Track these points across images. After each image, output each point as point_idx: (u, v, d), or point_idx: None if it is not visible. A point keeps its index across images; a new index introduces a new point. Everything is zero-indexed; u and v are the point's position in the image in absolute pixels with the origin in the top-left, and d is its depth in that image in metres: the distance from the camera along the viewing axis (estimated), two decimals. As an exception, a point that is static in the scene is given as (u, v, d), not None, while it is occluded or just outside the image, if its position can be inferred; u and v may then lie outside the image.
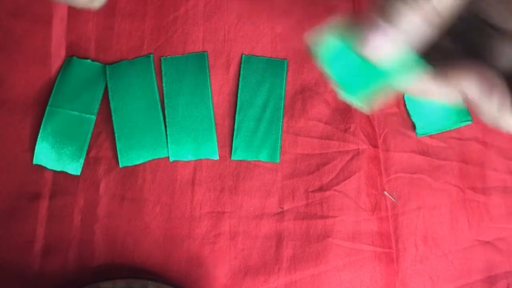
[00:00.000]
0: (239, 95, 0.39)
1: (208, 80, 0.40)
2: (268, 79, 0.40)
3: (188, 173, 0.38)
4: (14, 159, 0.37)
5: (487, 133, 0.40)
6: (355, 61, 0.20)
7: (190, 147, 0.38)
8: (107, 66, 0.39)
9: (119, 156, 0.37)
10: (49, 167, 0.37)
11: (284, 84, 0.40)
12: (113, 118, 0.38)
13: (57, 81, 0.39)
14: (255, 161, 0.38)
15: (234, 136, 0.38)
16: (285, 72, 0.40)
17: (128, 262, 0.36)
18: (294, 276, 0.36)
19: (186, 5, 0.42)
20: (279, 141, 0.39)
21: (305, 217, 0.37)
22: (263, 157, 0.38)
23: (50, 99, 0.38)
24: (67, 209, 0.37)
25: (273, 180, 0.38)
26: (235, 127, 0.39)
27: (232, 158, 0.38)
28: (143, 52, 0.40)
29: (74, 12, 0.41)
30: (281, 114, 0.39)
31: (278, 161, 0.38)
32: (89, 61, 0.40)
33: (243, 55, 0.40)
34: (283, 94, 0.39)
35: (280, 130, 0.39)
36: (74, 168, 0.37)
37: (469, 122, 0.40)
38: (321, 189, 0.38)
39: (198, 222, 0.37)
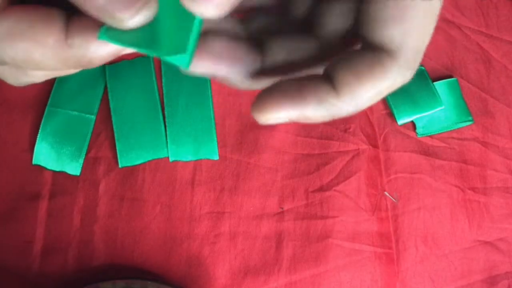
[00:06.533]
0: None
1: (208, 80, 0.40)
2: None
3: (188, 173, 0.38)
4: (13, 159, 0.37)
5: (487, 133, 0.40)
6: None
7: (190, 147, 0.38)
8: (106, 66, 0.39)
9: (118, 156, 0.37)
10: (48, 167, 0.37)
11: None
12: (113, 118, 0.38)
13: (56, 81, 0.39)
14: (255, 161, 0.38)
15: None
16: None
17: (127, 262, 0.36)
18: (294, 277, 0.36)
19: (186, 4, 0.41)
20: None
21: (305, 217, 0.37)
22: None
23: (50, 99, 0.38)
24: (66, 209, 0.37)
25: (273, 180, 0.38)
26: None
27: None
28: (142, 52, 0.40)
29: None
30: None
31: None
32: (88, 61, 0.40)
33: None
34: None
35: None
36: (74, 168, 0.37)
37: (470, 123, 0.40)
38: (321, 189, 0.38)
39: (198, 222, 0.37)
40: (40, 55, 0.17)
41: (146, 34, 0.16)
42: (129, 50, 0.17)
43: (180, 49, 0.16)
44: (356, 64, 0.17)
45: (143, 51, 0.17)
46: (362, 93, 0.17)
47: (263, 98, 0.18)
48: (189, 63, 0.17)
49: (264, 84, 0.19)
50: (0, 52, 0.17)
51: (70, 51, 0.17)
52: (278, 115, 0.18)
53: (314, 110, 0.17)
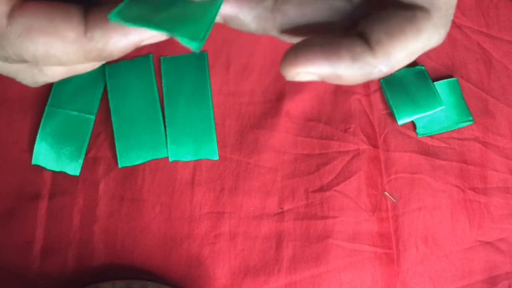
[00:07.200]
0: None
1: (208, 80, 0.40)
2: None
3: (187, 173, 0.38)
4: (13, 159, 0.37)
5: (488, 133, 0.40)
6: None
7: (190, 147, 0.38)
8: (106, 65, 0.39)
9: (118, 156, 0.37)
10: (48, 167, 0.37)
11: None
12: (113, 118, 0.38)
13: (56, 81, 0.39)
14: (255, 161, 0.38)
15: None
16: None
17: (127, 262, 0.36)
18: (294, 277, 0.36)
19: (186, 4, 0.41)
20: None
21: (305, 217, 0.37)
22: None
23: (49, 99, 0.38)
24: (66, 210, 0.37)
25: (273, 180, 0.38)
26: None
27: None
28: (142, 51, 0.40)
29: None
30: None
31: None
32: (88, 60, 0.39)
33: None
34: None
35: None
36: (73, 168, 0.37)
37: (470, 123, 0.40)
38: (321, 189, 0.38)
39: (197, 223, 0.37)
40: (61, 50, 0.16)
41: (159, 14, 0.16)
42: (147, 41, 0.17)
43: (195, 35, 0.16)
44: (390, 24, 0.17)
45: (156, 31, 0.16)
46: (397, 53, 0.17)
47: (295, 51, 0.17)
48: (201, 46, 0.16)
49: (269, 29, 0.19)
50: (21, 49, 0.16)
51: (90, 44, 0.17)
52: (309, 69, 0.17)
53: (348, 68, 0.17)
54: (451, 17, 0.18)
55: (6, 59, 0.17)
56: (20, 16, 0.16)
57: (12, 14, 0.16)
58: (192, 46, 0.16)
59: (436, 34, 0.17)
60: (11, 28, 0.16)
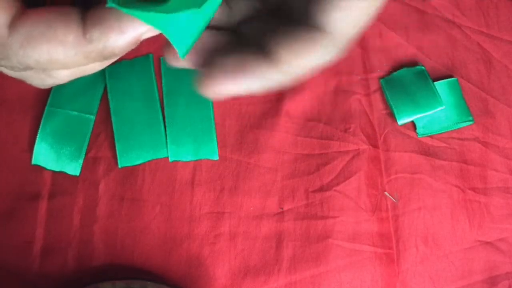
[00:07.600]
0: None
1: (208, 80, 0.40)
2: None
3: (187, 173, 0.38)
4: (13, 159, 0.37)
5: (488, 133, 0.40)
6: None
7: (190, 147, 0.38)
8: (106, 66, 0.39)
9: (118, 156, 0.37)
10: (48, 167, 0.37)
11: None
12: (112, 118, 0.38)
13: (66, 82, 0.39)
14: (255, 161, 0.38)
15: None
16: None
17: (127, 262, 0.36)
18: (294, 277, 0.36)
19: (186, 4, 0.41)
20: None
21: (305, 217, 0.37)
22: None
23: (49, 99, 0.38)
24: (66, 210, 0.37)
25: (273, 180, 0.38)
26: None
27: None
28: (142, 51, 0.40)
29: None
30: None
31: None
32: (88, 60, 0.39)
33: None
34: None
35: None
36: (73, 168, 0.37)
37: (470, 123, 0.40)
38: (321, 189, 0.38)
39: (197, 223, 0.37)
40: (63, 53, 0.17)
41: (155, 4, 0.16)
42: (146, 35, 0.17)
43: (183, 42, 0.16)
44: (292, 39, 0.19)
45: (150, 20, 0.16)
46: (295, 66, 0.19)
47: (210, 74, 0.19)
48: (188, 49, 0.16)
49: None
50: (24, 58, 0.17)
51: (91, 45, 0.17)
52: (225, 89, 0.19)
53: (255, 84, 0.19)
54: (345, 44, 0.19)
55: (12, 68, 0.18)
56: (21, 25, 0.17)
57: (13, 24, 0.17)
58: (179, 51, 0.17)
59: (330, 53, 0.19)
60: (12, 39, 0.17)
